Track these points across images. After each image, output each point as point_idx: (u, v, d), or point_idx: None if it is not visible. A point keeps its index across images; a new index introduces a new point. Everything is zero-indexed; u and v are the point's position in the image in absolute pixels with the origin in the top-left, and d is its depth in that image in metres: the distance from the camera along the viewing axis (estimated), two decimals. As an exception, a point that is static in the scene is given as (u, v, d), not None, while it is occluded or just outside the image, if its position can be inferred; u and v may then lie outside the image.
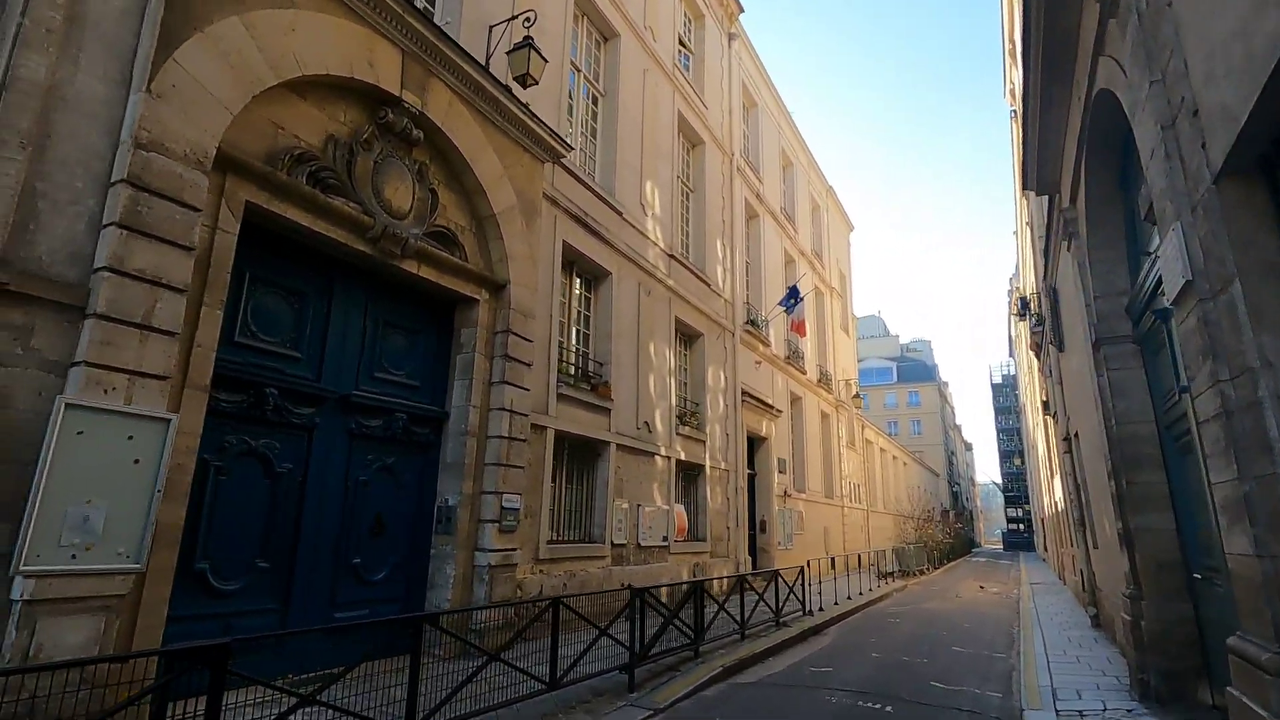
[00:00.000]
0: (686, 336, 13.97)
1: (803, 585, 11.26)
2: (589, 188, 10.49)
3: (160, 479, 4.56)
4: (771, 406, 17.03)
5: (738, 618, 8.75)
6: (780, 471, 17.53)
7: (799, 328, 17.51)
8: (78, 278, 4.38)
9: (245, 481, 5.67)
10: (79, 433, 4.19)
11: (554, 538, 9.03)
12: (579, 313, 10.52)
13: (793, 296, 16.58)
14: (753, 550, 15.75)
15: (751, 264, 18.06)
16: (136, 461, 4.46)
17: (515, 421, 7.95)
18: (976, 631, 10.66)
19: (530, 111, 8.49)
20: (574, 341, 10.22)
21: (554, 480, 9.26)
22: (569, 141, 9.83)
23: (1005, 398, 74.43)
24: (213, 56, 5.16)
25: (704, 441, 13.42)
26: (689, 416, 13.26)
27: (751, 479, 16.21)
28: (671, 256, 13.01)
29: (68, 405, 4.14)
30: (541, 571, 8.49)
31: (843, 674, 7.37)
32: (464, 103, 7.69)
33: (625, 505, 10.46)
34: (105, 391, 4.34)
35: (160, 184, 4.72)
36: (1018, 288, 22.12)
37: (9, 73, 4.17)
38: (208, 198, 5.21)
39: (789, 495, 17.87)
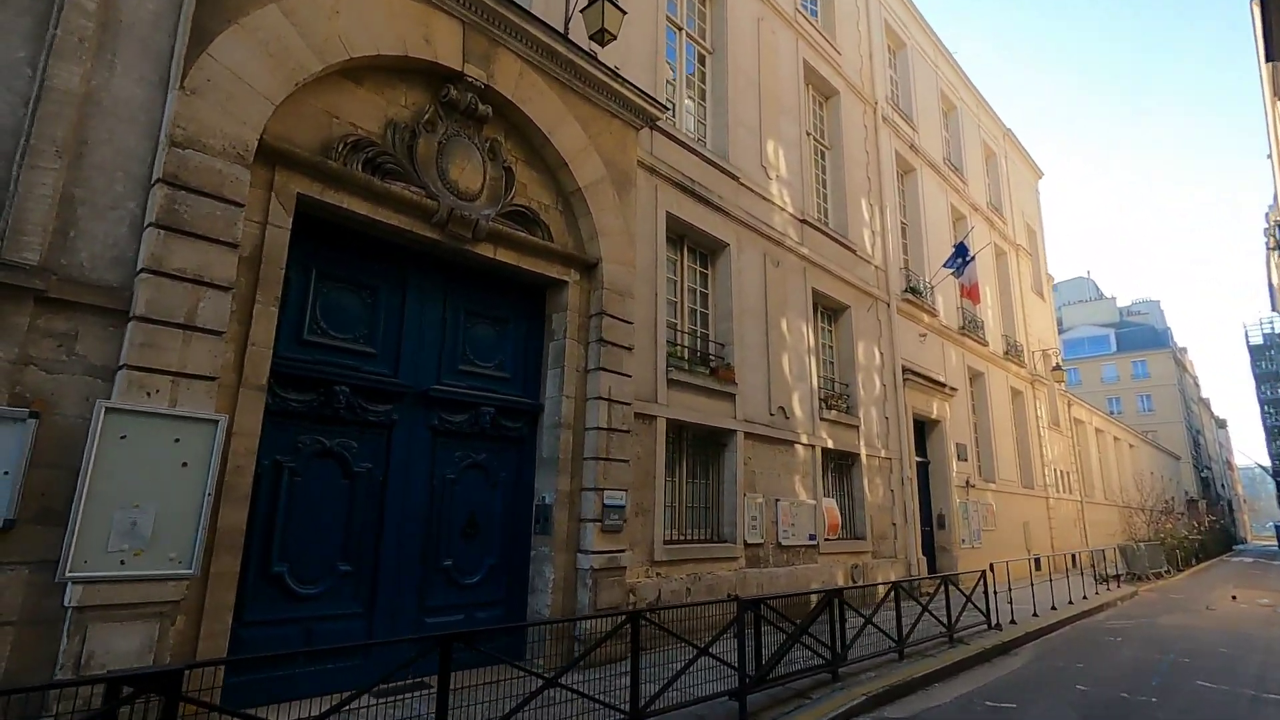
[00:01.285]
0: (828, 310, 12.48)
1: (986, 591, 9.42)
2: (696, 153, 9.54)
3: (210, 482, 4.42)
4: (943, 385, 14.83)
5: (895, 632, 7.35)
6: (960, 458, 15.24)
7: (972, 293, 15.07)
8: (121, 281, 4.36)
9: (321, 482, 5.52)
10: (122, 437, 4.13)
11: (672, 537, 8.22)
12: (693, 290, 9.60)
13: (960, 255, 14.28)
14: (929, 549, 13.78)
15: (909, 224, 15.92)
16: (185, 464, 4.35)
17: (615, 411, 7.26)
18: (1234, 660, 8.17)
19: (615, 73, 7.77)
20: (687, 322, 9.33)
21: (670, 474, 8.45)
22: (667, 104, 8.96)
23: (1270, 362, 61.24)
24: (249, 47, 5.01)
25: (856, 427, 11.86)
26: (836, 399, 11.78)
27: (923, 468, 14.21)
28: (804, 222, 11.63)
29: (108, 409, 4.08)
30: (659, 575, 7.72)
31: (1029, 713, 5.77)
32: (537, 71, 7.14)
33: (759, 500, 9.37)
34: (148, 394, 4.26)
35: (198, 181, 4.61)
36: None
37: (42, 84, 4.22)
38: (256, 193, 5.09)
39: (973, 485, 15.49)
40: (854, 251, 12.90)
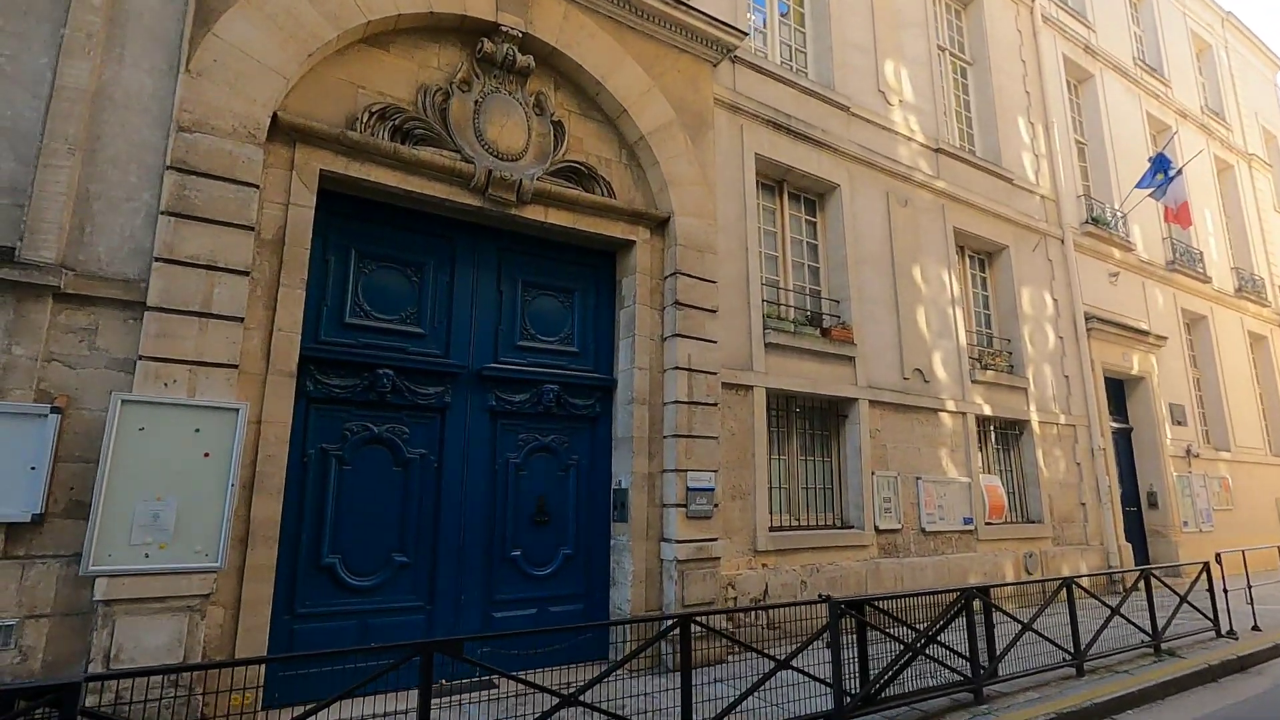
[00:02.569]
0: (978, 253, 10.54)
1: (1212, 589, 7.35)
2: (792, 84, 8.30)
3: (233, 472, 4.27)
4: (1144, 334, 12.08)
5: (1072, 641, 5.81)
6: (1176, 422, 12.38)
7: (1180, 215, 12.06)
8: (139, 273, 4.32)
9: (372, 471, 5.29)
10: (140, 429, 4.07)
11: (781, 523, 7.19)
12: (797, 241, 8.40)
13: (1159, 170, 11.48)
14: (1136, 534, 11.31)
15: (1088, 142, 13.16)
16: (207, 455, 4.23)
17: (697, 382, 6.41)
18: None
19: (679, 1, 6.85)
20: (791, 278, 8.15)
21: (776, 451, 7.41)
22: (746, 31, 7.85)
23: None
24: (256, 22, 4.82)
25: (1023, 389, 9.89)
26: (994, 358, 9.90)
27: (1122, 435, 11.69)
28: (939, 151, 9.85)
29: (124, 402, 4.03)
30: (764, 566, 6.76)
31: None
32: (585, 11, 6.44)
33: (893, 479, 8.01)
34: (166, 385, 4.17)
35: (208, 165, 4.48)
36: None
37: (54, 83, 4.25)
38: (277, 173, 4.91)
39: (1196, 455, 12.52)
40: (1009, 181, 10.78)
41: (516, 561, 5.79)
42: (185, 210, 4.37)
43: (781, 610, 6.47)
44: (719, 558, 6.23)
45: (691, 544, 6.06)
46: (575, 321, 6.48)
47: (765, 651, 4.34)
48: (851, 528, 7.68)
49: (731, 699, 4.09)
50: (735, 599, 6.43)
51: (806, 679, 4.45)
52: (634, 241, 6.53)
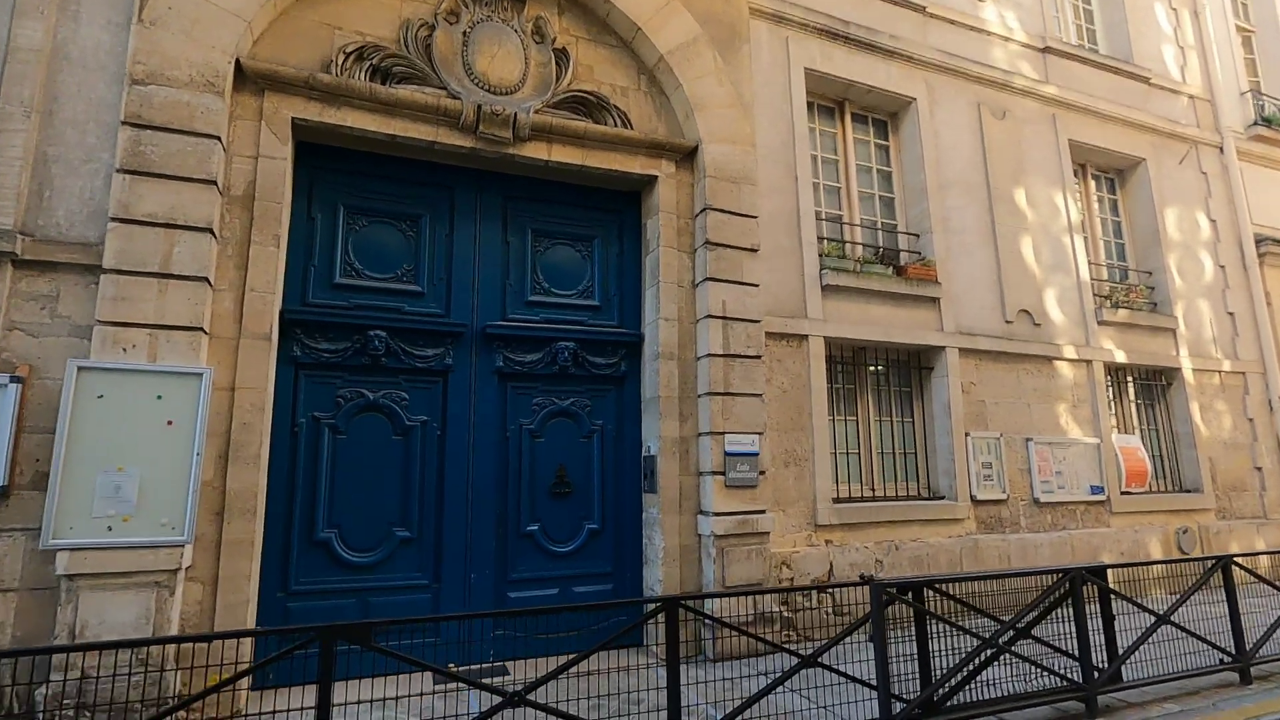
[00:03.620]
0: (1103, 170, 8.76)
1: None
2: (849, -14, 7.13)
3: (199, 440, 4.01)
4: (1343, 255, 9.65)
5: (1232, 639, 4.49)
6: (1390, 366, 9.83)
7: (1391, 103, 9.48)
8: (99, 236, 4.12)
9: (369, 440, 4.92)
10: (99, 396, 3.87)
11: (849, 493, 6.18)
12: (864, 169, 7.22)
13: (1357, 47, 9.03)
14: (1336, 505, 9.09)
15: (1258, 28, 10.69)
16: (170, 423, 3.99)
17: (735, 332, 5.56)
18: None
19: (697, -103, 5.94)
20: (857, 210, 7.00)
21: (842, 411, 6.39)
22: (790, -75, 6.75)
23: None
24: (213, -37, 4.50)
25: (1170, 330, 8.12)
26: (1127, 293, 8.19)
27: (1313, 384, 9.42)
28: (1046, 51, 8.21)
29: (81, 369, 3.84)
30: (828, 542, 5.81)
31: None
32: (586, -80, 5.70)
33: (994, 441, 6.73)
34: (124, 350, 3.95)
35: (165, 118, 4.22)
36: None
37: (8, 44, 4.12)
38: (246, 125, 4.60)
39: None
40: (1145, 81, 8.87)
41: (534, 537, 5.25)
42: (141, 167, 4.13)
43: (849, 593, 5.53)
44: (767, 533, 5.38)
45: (732, 517, 5.26)
46: (595, 272, 5.81)
47: (785, 646, 3.50)
48: (941, 498, 6.52)
49: (762, 700, 3.30)
50: (791, 580, 5.56)
51: (845, 680, 3.56)
52: (655, 177, 5.75)
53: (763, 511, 5.39)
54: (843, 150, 7.09)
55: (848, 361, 6.47)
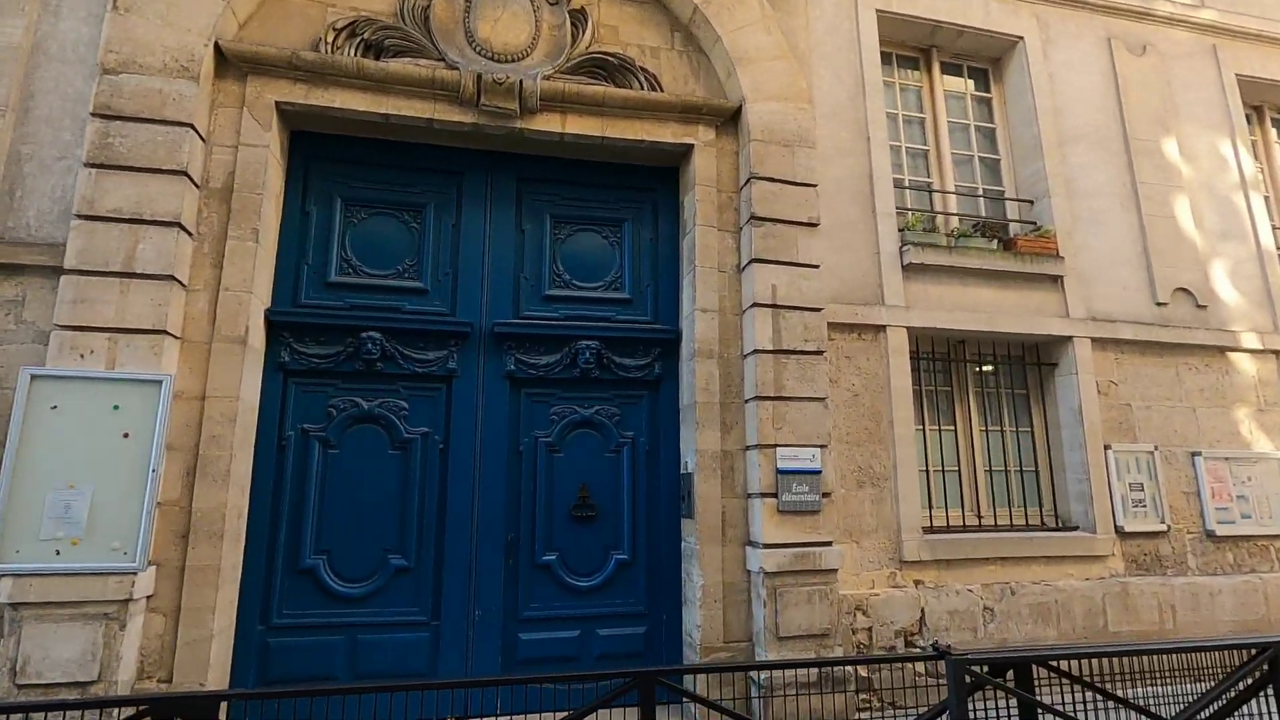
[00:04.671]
0: (1293, 111, 6.92)
1: None
2: (934, -87, 5.98)
3: (155, 455, 3.60)
4: None
5: None
6: None
7: None
8: (67, 236, 3.85)
9: (363, 455, 4.39)
10: (53, 407, 3.55)
11: (944, 522, 4.96)
12: (958, 126, 5.98)
13: None
14: None
15: None
16: (126, 435, 3.61)
17: (789, 323, 4.58)
18: None
19: None
20: (950, 175, 5.77)
21: (931, 418, 5.19)
22: None
23: None
24: (192, -57, 4.20)
25: (1399, 309, 6.18)
26: (1333, 264, 6.32)
27: None
28: (1200, -30, 6.61)
29: (34, 377, 3.54)
30: (917, 584, 4.64)
31: None
32: None
33: (1146, 455, 5.26)
34: (82, 356, 3.63)
35: (134, 107, 3.92)
36: None
37: (-13, 45, 3.98)
38: (228, 113, 4.25)
39: None
40: (1344, -5, 6.96)
41: (552, 568, 4.50)
42: (109, 160, 3.83)
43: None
44: (834, 570, 4.31)
45: (786, 550, 4.25)
46: (625, 260, 5.04)
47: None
48: (1073, 529, 5.13)
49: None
50: (869, 630, 4.44)
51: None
52: (691, 145, 4.91)
53: (828, 543, 4.34)
54: (930, 106, 5.92)
55: (940, 357, 5.27)
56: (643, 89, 4.90)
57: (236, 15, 4.33)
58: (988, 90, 6.12)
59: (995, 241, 5.45)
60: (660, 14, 5.17)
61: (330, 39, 4.46)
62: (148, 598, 3.63)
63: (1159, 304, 5.61)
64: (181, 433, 3.80)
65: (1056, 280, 5.41)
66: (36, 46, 4.07)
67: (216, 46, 4.18)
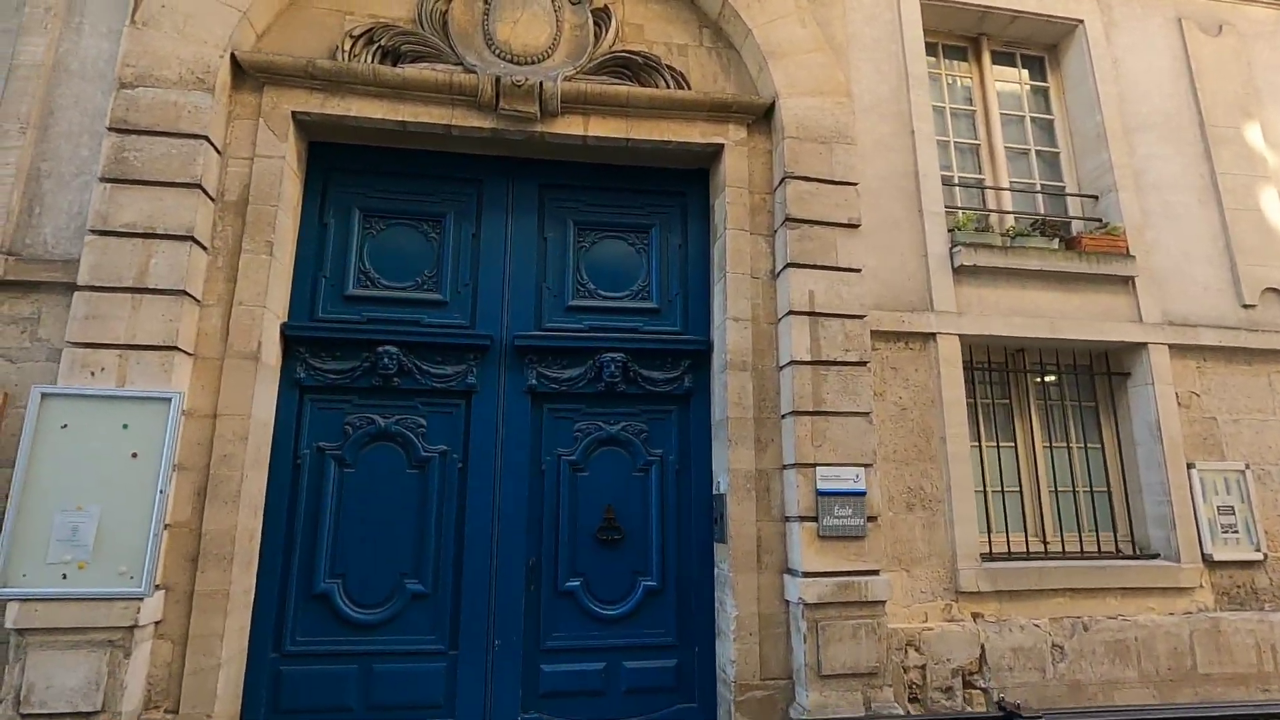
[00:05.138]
0: (1394, 92, 6.25)
1: None
2: (981, -106, 5.61)
3: (163, 475, 3.49)
4: None
5: None
6: None
7: None
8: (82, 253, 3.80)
9: (380, 474, 4.21)
10: (63, 426, 3.47)
11: (1007, 548, 4.51)
12: (1012, 118, 5.56)
13: None
14: None
15: None
16: (135, 455, 3.51)
17: (829, 331, 4.25)
18: None
19: None
20: (1004, 171, 5.35)
21: (988, 434, 4.76)
22: None
23: None
24: (209, -45, 4.16)
25: None
26: None
27: None
28: (1282, -59, 6.05)
29: (45, 395, 3.47)
30: (977, 616, 4.21)
31: None
32: None
33: (1235, 475, 4.72)
34: (92, 374, 3.55)
35: (150, 120, 3.86)
36: None
37: (11, 61, 3.99)
38: (245, 124, 4.17)
39: None
40: None
41: (576, 595, 4.24)
42: (123, 174, 3.77)
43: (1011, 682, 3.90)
44: (882, 601, 3.93)
45: (828, 579, 3.90)
46: (653, 268, 4.79)
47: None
48: (1153, 556, 4.62)
49: None
50: (922, 668, 4.04)
51: None
52: (721, 145, 4.64)
53: (874, 572, 3.96)
54: (980, 99, 5.52)
55: (997, 367, 4.84)
56: (669, 88, 4.66)
57: (254, 26, 4.26)
58: (1044, 79, 5.68)
59: (1056, 240, 5.01)
60: (688, 10, 4.93)
61: (348, 47, 4.36)
62: (155, 624, 3.50)
63: (1246, 306, 5.07)
64: (192, 452, 3.69)
65: (1127, 281, 4.94)
66: (58, 63, 4.07)
67: (233, 57, 4.11)
